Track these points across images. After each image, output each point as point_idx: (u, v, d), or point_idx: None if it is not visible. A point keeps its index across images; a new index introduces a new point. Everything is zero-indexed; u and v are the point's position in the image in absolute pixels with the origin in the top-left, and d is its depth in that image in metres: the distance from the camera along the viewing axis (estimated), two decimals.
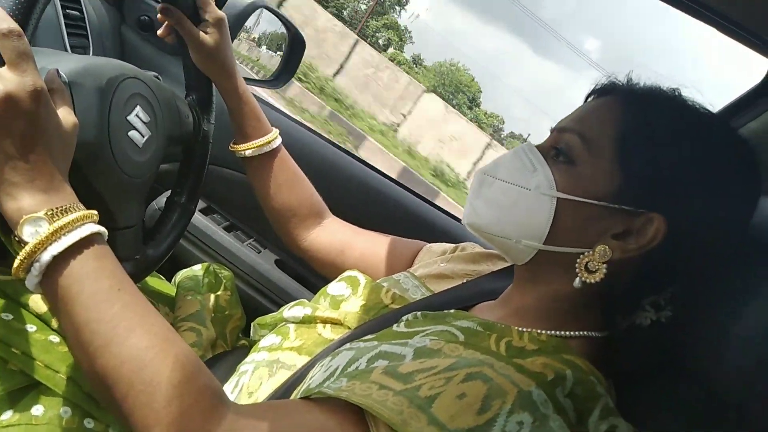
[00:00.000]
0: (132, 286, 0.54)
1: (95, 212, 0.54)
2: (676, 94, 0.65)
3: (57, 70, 0.58)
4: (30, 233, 0.49)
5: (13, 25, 0.50)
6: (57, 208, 0.51)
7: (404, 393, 0.49)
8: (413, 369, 0.53)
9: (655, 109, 0.64)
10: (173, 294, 1.02)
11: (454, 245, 0.93)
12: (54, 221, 0.50)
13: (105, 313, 0.50)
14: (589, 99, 0.71)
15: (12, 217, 0.50)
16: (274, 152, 0.96)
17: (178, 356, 0.51)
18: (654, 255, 0.59)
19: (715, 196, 0.59)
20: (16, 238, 0.50)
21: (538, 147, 0.68)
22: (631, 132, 0.62)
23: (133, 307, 0.52)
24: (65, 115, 0.55)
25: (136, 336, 0.50)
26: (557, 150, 0.65)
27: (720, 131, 0.64)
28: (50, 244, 0.50)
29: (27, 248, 0.49)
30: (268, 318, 0.89)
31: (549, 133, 0.69)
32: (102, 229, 0.54)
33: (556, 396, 0.52)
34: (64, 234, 0.50)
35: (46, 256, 0.50)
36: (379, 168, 1.42)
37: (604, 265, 0.60)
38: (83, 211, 0.53)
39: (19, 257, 0.50)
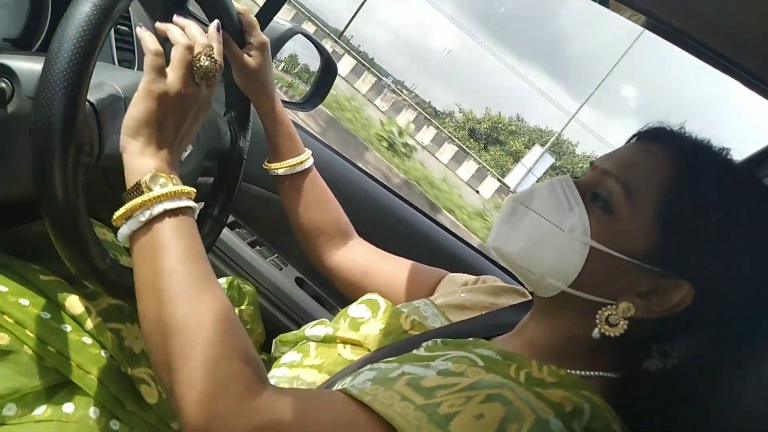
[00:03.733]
0: (208, 259, 0.61)
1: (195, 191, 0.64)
2: (725, 155, 0.63)
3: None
4: (160, 184, 0.59)
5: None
6: (174, 179, 0.61)
7: (425, 408, 0.51)
8: (435, 384, 0.54)
9: (703, 170, 0.61)
10: None
11: (475, 277, 0.94)
12: (176, 184, 0.61)
13: (188, 269, 0.57)
14: (634, 140, 0.69)
15: (145, 166, 0.60)
16: (306, 172, 0.99)
17: (237, 326, 0.57)
18: (675, 318, 0.59)
19: (749, 268, 0.58)
20: (144, 185, 0.59)
21: (576, 182, 0.66)
22: (676, 191, 0.60)
23: (209, 274, 0.59)
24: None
25: (208, 296, 0.56)
26: (596, 194, 0.63)
27: (763, 197, 0.62)
28: (169, 199, 0.59)
29: (152, 194, 0.58)
30: (290, 336, 0.90)
31: (589, 167, 0.68)
32: (197, 208, 0.64)
33: (573, 428, 0.53)
34: (179, 197, 0.60)
35: (160, 207, 0.58)
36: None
37: (625, 321, 0.59)
38: (192, 190, 0.62)
39: (141, 197, 0.58)
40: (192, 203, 0.62)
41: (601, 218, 0.62)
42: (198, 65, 0.64)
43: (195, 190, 0.63)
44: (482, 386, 0.53)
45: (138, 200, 0.58)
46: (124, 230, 0.59)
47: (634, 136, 0.69)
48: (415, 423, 0.50)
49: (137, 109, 0.61)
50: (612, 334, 0.60)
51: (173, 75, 0.63)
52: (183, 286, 0.56)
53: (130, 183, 0.60)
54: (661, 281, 0.59)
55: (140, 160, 0.61)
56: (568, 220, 0.63)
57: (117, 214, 0.59)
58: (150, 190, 0.58)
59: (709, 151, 0.64)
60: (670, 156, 0.62)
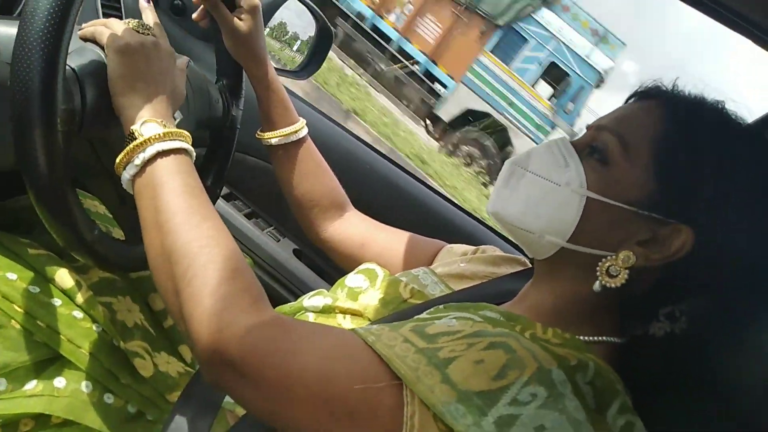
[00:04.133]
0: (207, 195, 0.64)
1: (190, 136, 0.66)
2: (720, 107, 0.63)
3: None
4: (150, 128, 0.62)
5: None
6: (166, 124, 0.64)
7: (425, 352, 0.51)
8: (439, 331, 0.54)
9: (696, 120, 0.62)
10: None
11: (474, 247, 0.92)
12: (167, 127, 0.63)
13: (188, 201, 0.60)
14: (631, 100, 0.69)
15: (134, 116, 0.63)
16: (300, 142, 0.96)
17: (237, 252, 0.59)
18: (676, 266, 0.58)
19: (748, 214, 0.58)
20: (135, 133, 0.61)
21: (572, 143, 0.66)
22: (670, 140, 0.61)
23: (208, 205, 0.62)
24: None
25: (207, 224, 0.59)
26: (593, 147, 0.64)
27: (761, 148, 0.62)
28: (161, 140, 0.62)
29: (142, 138, 0.61)
30: (287, 307, 0.89)
31: (585, 130, 0.68)
32: (193, 151, 0.66)
33: (576, 380, 0.52)
34: (171, 139, 0.62)
35: (152, 149, 0.61)
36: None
37: (626, 271, 0.59)
38: (186, 133, 0.65)
39: (134, 142, 0.61)
40: (187, 145, 0.64)
41: (597, 170, 0.62)
42: (134, 23, 0.70)
43: (189, 135, 0.66)
44: (486, 334, 0.53)
45: (131, 145, 0.61)
46: (125, 176, 0.62)
47: (630, 96, 0.70)
48: (413, 365, 0.50)
49: (112, 67, 0.65)
50: (613, 285, 0.59)
51: (121, 30, 0.67)
52: (183, 216, 0.58)
53: (126, 132, 0.63)
54: (659, 228, 0.59)
55: (133, 112, 0.64)
56: (565, 176, 0.63)
57: (117, 160, 0.62)
58: (141, 135, 0.61)
59: (704, 103, 0.64)
60: (664, 109, 0.63)
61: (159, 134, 0.61)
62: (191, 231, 0.58)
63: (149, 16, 0.75)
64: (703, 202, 0.58)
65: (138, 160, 0.61)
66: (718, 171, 0.59)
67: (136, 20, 0.71)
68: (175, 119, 0.76)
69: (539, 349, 0.52)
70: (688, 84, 0.66)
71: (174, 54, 0.72)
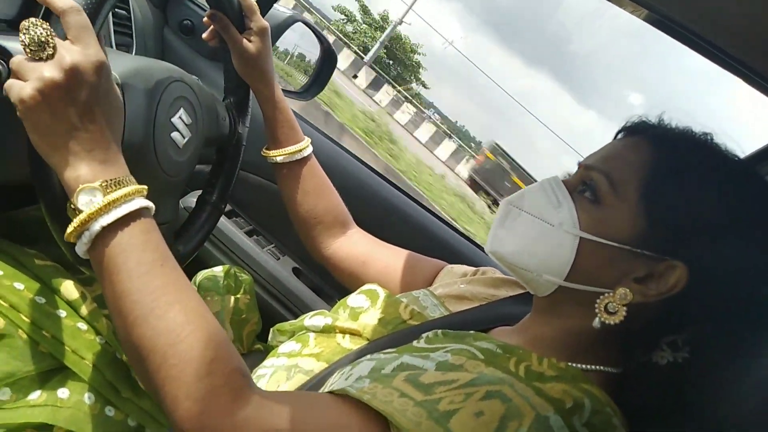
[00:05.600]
0: (174, 262, 0.56)
1: (146, 187, 0.57)
2: (707, 138, 0.64)
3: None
4: (85, 202, 0.52)
5: (72, 2, 0.53)
6: (111, 180, 0.54)
7: (424, 405, 0.51)
8: (435, 380, 0.54)
9: (684, 154, 0.63)
10: None
11: (474, 268, 0.93)
12: (108, 193, 0.53)
13: (147, 285, 0.53)
14: (619, 136, 0.70)
15: (69, 184, 0.53)
16: (305, 160, 0.98)
17: (212, 336, 0.53)
18: (674, 300, 0.59)
19: (740, 246, 0.58)
20: (72, 206, 0.53)
21: (564, 182, 0.67)
22: (658, 177, 0.61)
23: (174, 282, 0.54)
24: (116, 89, 0.58)
25: (174, 311, 0.52)
26: (582, 187, 0.65)
27: (749, 180, 0.63)
28: (102, 215, 0.53)
29: (81, 217, 0.52)
30: (287, 325, 0.90)
31: (576, 168, 0.69)
32: (150, 204, 0.57)
33: (573, 424, 0.52)
34: (115, 206, 0.53)
35: (97, 226, 0.52)
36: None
37: (624, 308, 0.60)
38: (135, 186, 0.56)
39: (72, 224, 0.53)
40: (138, 203, 0.55)
41: (588, 209, 0.63)
42: (27, 41, 0.52)
43: (144, 187, 0.57)
44: (482, 382, 0.53)
45: (75, 223, 0.53)
46: (78, 250, 0.55)
47: (617, 133, 0.71)
48: (415, 419, 0.49)
49: (29, 130, 0.54)
50: (612, 322, 0.60)
51: (24, 75, 0.53)
52: (145, 306, 0.52)
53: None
54: (654, 265, 0.60)
55: (67, 174, 0.53)
56: (558, 216, 0.64)
57: (67, 232, 0.54)
58: (80, 210, 0.52)
59: (689, 136, 0.65)
60: (650, 144, 0.64)
61: (99, 207, 0.52)
62: (158, 324, 0.51)
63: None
64: (694, 238, 0.59)
65: (85, 238, 0.53)
66: (706, 205, 0.59)
67: (37, 33, 0.52)
68: (184, 138, 0.78)
69: (533, 394, 0.53)
70: (674, 117, 0.67)
71: (95, 65, 0.54)
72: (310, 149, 0.98)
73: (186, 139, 0.79)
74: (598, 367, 0.63)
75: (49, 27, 0.53)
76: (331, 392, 0.56)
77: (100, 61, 0.54)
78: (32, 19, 0.53)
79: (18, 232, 0.82)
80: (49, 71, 0.52)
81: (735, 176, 0.62)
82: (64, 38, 0.54)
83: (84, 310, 0.73)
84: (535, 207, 0.66)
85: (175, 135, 0.76)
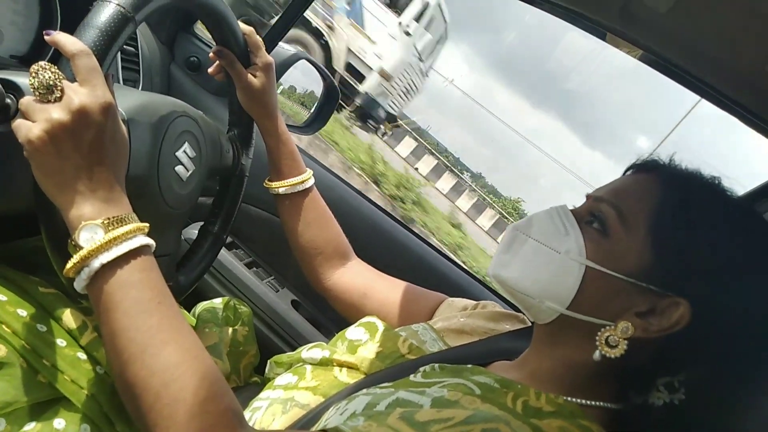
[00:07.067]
0: (171, 300, 0.57)
1: (147, 225, 0.58)
2: (716, 182, 0.65)
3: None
4: (86, 239, 0.54)
5: (82, 45, 0.56)
6: (113, 218, 0.55)
7: None
8: (430, 418, 0.53)
9: (694, 195, 0.63)
10: (193, 325, 1.04)
11: (475, 302, 0.93)
12: (109, 230, 0.54)
13: (143, 323, 0.53)
14: (629, 172, 0.71)
15: (72, 222, 0.55)
16: (307, 191, 0.99)
17: (206, 375, 0.53)
18: (675, 338, 0.59)
19: (744, 287, 0.58)
20: (73, 242, 0.54)
21: (572, 211, 0.68)
22: (667, 214, 0.61)
23: (170, 321, 0.55)
24: (122, 129, 0.60)
25: (169, 350, 0.53)
26: (591, 217, 0.65)
27: (757, 225, 0.63)
28: (102, 252, 0.54)
29: (81, 253, 0.53)
30: (284, 357, 0.90)
31: (585, 199, 0.70)
32: (151, 242, 0.58)
33: None
34: (116, 244, 0.54)
35: (96, 263, 0.54)
36: None
37: (625, 342, 0.59)
38: (136, 224, 0.57)
39: (72, 260, 0.54)
40: (139, 240, 0.56)
41: (596, 240, 0.64)
42: (36, 85, 0.54)
43: (145, 225, 0.58)
44: (477, 420, 0.52)
45: (75, 259, 0.54)
46: (76, 285, 0.56)
47: (627, 169, 0.72)
48: None
49: (35, 170, 0.56)
50: (612, 355, 0.60)
51: (32, 116, 0.55)
52: (140, 344, 0.53)
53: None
54: (658, 300, 0.60)
55: (71, 212, 0.55)
56: (565, 244, 0.64)
57: (66, 268, 0.55)
58: (81, 246, 0.54)
59: (699, 178, 0.66)
60: (661, 182, 0.65)
61: (100, 243, 0.53)
62: (152, 363, 0.52)
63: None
64: (700, 276, 0.59)
65: (84, 274, 0.54)
66: (713, 245, 0.59)
67: (45, 77, 0.54)
68: (187, 171, 0.80)
69: (530, 431, 0.52)
70: (684, 159, 0.67)
71: (102, 107, 0.55)
72: (312, 181, 1.00)
73: (189, 172, 0.80)
74: (596, 402, 0.62)
75: (57, 71, 0.55)
76: (324, 430, 0.56)
77: (107, 103, 0.56)
78: (41, 63, 0.55)
79: (22, 259, 0.82)
80: (57, 113, 0.54)
81: (743, 220, 0.63)
82: (73, 80, 0.56)
83: (84, 340, 0.73)
84: (543, 234, 0.67)
85: (179, 168, 0.78)
